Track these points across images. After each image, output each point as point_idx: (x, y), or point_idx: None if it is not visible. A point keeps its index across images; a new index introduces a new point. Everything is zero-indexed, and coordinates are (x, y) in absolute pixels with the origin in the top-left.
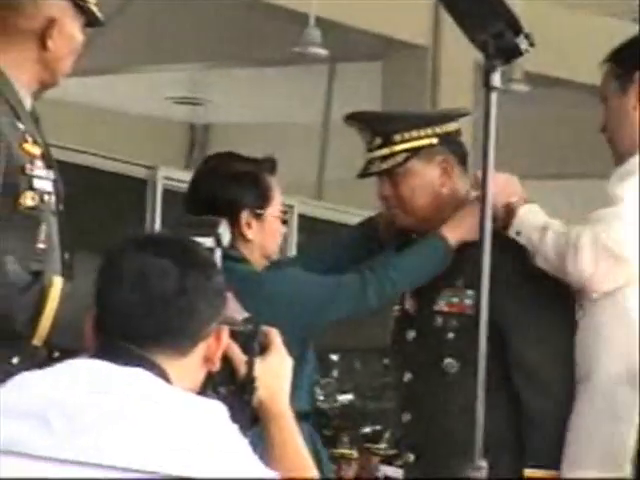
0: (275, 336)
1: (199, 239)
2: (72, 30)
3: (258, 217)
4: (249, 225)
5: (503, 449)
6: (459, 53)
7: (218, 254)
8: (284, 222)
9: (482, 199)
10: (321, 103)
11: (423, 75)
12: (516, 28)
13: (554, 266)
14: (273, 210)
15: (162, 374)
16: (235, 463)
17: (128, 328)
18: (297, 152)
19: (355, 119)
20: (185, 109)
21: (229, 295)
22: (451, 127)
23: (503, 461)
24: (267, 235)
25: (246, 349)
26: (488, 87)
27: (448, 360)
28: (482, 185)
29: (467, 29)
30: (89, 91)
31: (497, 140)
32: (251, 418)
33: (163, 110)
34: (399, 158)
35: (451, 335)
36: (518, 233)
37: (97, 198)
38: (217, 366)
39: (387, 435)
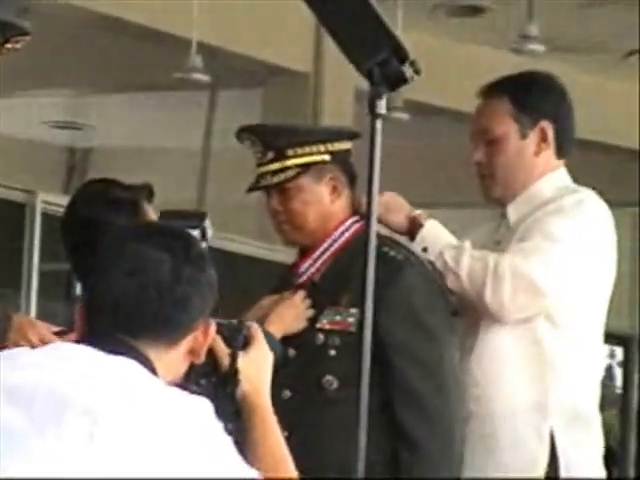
0: (257, 331)
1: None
2: None
3: None
4: None
5: (381, 470)
6: (340, 80)
7: (204, 246)
8: None
9: (367, 225)
10: (202, 129)
11: (304, 101)
12: (402, 56)
13: (465, 289)
14: None
15: (149, 365)
16: (218, 463)
17: (119, 316)
18: (178, 178)
19: (248, 132)
20: (64, 133)
21: None
22: (344, 146)
23: None
24: None
25: (230, 342)
26: (373, 114)
27: (328, 377)
28: (367, 212)
29: (352, 56)
30: None
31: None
32: (233, 411)
33: (42, 134)
34: (290, 173)
35: (332, 352)
36: (425, 249)
37: None
38: (202, 359)
39: None
